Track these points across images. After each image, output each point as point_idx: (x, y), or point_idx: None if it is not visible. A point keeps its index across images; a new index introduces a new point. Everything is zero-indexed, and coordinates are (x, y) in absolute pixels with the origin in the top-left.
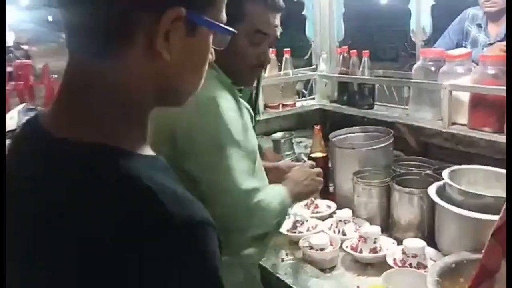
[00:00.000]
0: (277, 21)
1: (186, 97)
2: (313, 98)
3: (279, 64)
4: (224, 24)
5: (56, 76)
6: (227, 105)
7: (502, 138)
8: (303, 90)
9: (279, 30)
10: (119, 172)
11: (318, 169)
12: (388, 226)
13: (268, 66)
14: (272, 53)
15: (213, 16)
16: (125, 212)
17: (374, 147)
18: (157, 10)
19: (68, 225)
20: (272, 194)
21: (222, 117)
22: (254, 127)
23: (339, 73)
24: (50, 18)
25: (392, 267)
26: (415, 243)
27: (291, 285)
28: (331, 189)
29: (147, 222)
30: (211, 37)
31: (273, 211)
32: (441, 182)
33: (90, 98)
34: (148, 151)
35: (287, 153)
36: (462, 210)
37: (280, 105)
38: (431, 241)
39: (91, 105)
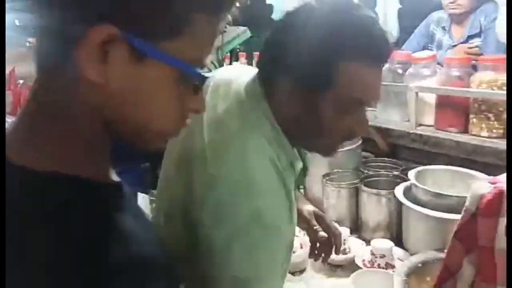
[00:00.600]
0: (379, 77)
1: (151, 139)
2: None
3: None
4: (302, 85)
5: (22, 81)
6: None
7: (467, 138)
8: None
9: (380, 90)
10: (73, 205)
11: None
12: (357, 227)
13: None
14: (242, 57)
15: (179, 50)
16: (82, 251)
17: (343, 149)
18: (87, 25)
19: (20, 257)
20: None
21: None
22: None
23: None
24: (17, 22)
25: (361, 268)
26: (382, 244)
27: None
28: (301, 191)
29: (103, 263)
30: (181, 77)
31: None
32: (408, 183)
33: (43, 117)
34: (111, 177)
35: None
36: (427, 210)
37: None
38: (399, 242)
39: (44, 126)
